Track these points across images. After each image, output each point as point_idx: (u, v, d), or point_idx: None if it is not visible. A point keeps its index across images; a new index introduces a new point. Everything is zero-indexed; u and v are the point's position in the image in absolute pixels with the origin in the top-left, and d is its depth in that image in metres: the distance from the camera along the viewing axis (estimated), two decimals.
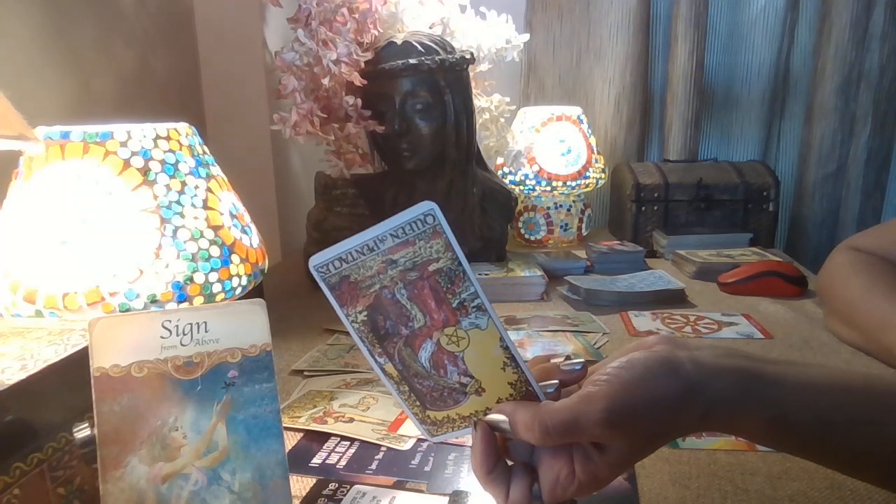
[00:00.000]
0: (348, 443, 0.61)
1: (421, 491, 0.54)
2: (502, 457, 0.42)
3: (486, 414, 0.43)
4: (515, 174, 1.40)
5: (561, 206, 1.42)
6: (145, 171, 0.60)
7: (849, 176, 1.55)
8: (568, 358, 0.44)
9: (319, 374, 0.77)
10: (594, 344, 0.85)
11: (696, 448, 0.59)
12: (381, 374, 0.44)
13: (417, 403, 0.45)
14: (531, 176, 1.39)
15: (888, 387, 0.42)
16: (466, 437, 0.60)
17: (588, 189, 1.42)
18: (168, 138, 0.62)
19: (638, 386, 0.39)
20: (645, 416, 0.38)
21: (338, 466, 0.57)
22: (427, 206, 0.39)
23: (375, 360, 0.43)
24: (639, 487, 0.53)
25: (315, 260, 0.41)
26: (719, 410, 0.39)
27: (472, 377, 0.43)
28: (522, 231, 1.45)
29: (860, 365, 0.77)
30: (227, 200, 0.67)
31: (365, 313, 0.42)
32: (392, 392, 0.45)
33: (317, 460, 0.58)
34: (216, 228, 0.63)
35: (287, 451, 0.49)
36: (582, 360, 0.43)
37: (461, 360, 0.42)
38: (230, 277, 0.63)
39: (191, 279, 0.60)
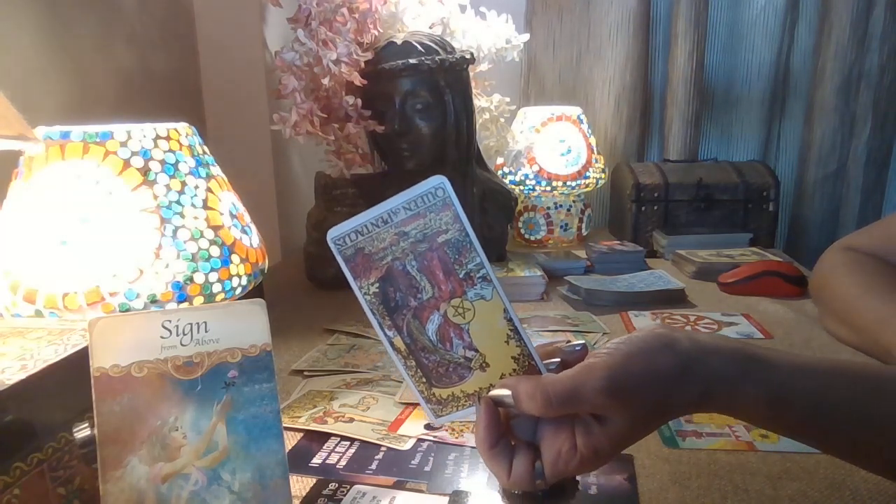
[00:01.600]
0: (348, 443, 0.61)
1: (421, 491, 0.54)
2: (505, 434, 0.43)
3: (489, 390, 0.44)
4: (515, 174, 1.40)
5: (561, 206, 1.42)
6: (145, 171, 0.60)
7: (849, 176, 1.55)
8: (569, 342, 0.46)
9: (319, 374, 0.77)
10: (594, 344, 0.85)
11: (696, 448, 0.59)
12: (389, 349, 0.45)
13: (423, 381, 0.46)
14: (531, 176, 1.39)
15: (883, 372, 0.42)
16: (467, 438, 0.61)
17: (588, 189, 1.42)
18: (168, 138, 0.62)
19: (638, 357, 0.40)
20: (644, 387, 0.39)
21: (338, 466, 0.57)
22: (438, 179, 0.41)
23: (385, 334, 0.45)
24: (639, 487, 0.53)
25: (333, 232, 0.43)
26: (718, 388, 0.40)
27: (476, 351, 0.44)
28: (522, 231, 1.45)
29: None
30: (227, 200, 0.67)
31: (377, 285, 0.44)
32: (399, 368, 0.46)
33: (317, 460, 0.58)
34: (216, 228, 0.63)
35: (287, 451, 0.49)
36: (582, 342, 0.45)
37: (466, 332, 0.44)
38: (230, 277, 0.63)
39: (191, 279, 0.60)
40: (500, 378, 0.45)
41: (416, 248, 0.42)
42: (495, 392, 0.43)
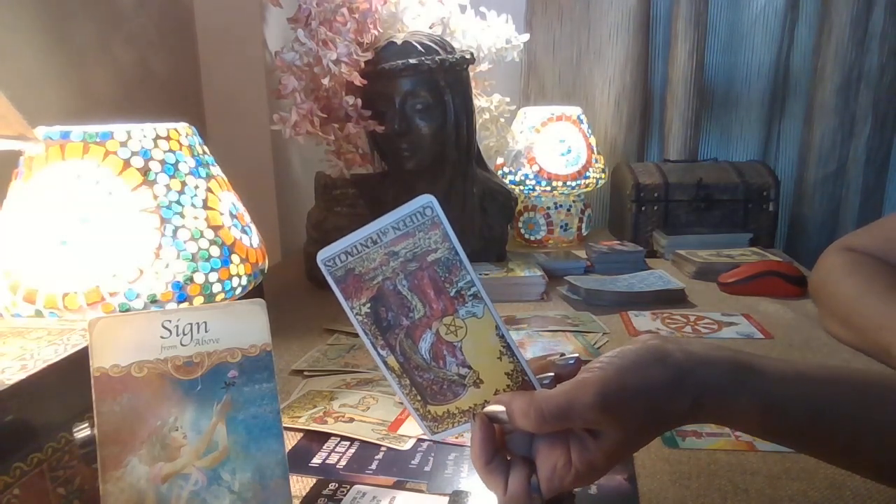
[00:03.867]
0: (348, 443, 0.61)
1: (421, 491, 0.54)
2: (501, 450, 0.43)
3: (484, 407, 0.44)
4: (515, 174, 1.40)
5: (561, 206, 1.42)
6: (145, 171, 0.60)
7: (849, 176, 1.55)
8: (563, 355, 0.46)
9: (319, 374, 0.77)
10: (594, 344, 0.85)
11: (696, 448, 0.59)
12: (383, 368, 0.45)
13: (418, 398, 0.46)
14: (531, 176, 1.39)
15: (876, 378, 0.43)
16: (467, 437, 0.60)
17: (588, 189, 1.42)
18: (168, 138, 0.62)
19: (630, 371, 0.40)
20: (636, 402, 0.39)
21: (338, 466, 0.57)
22: (425, 199, 0.41)
23: (378, 353, 0.45)
24: (639, 487, 0.53)
25: (323, 254, 0.43)
26: (710, 399, 0.40)
27: (470, 368, 0.44)
28: (522, 231, 1.45)
29: (859, 364, 0.77)
30: (227, 200, 0.67)
31: (368, 305, 0.44)
32: (394, 387, 0.46)
33: (317, 460, 0.58)
34: (216, 228, 0.63)
35: (287, 451, 0.49)
36: (576, 355, 0.45)
37: (459, 350, 0.44)
38: (230, 277, 0.63)
39: (191, 279, 0.60)
40: (495, 394, 0.45)
41: (406, 267, 0.43)
42: (490, 408, 0.43)
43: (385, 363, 0.45)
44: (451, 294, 0.43)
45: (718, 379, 0.40)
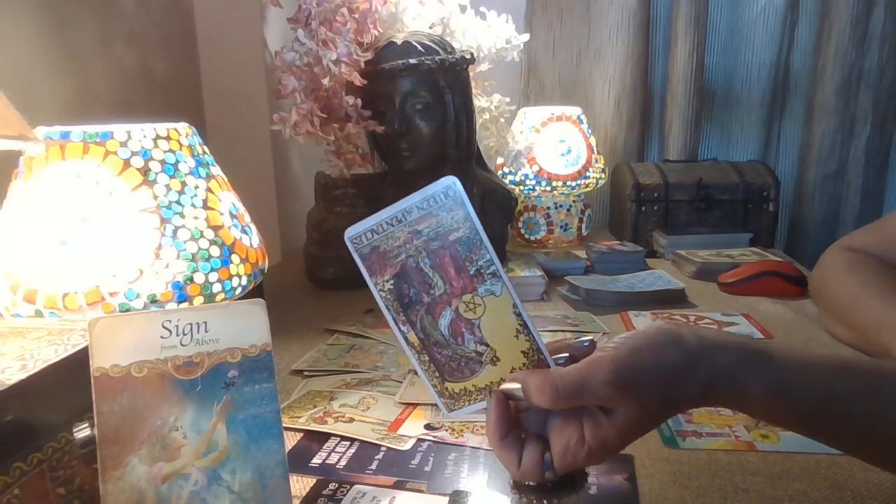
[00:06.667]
0: (348, 443, 0.61)
1: (421, 491, 0.53)
2: (516, 427, 0.45)
3: (500, 384, 0.45)
4: (515, 174, 1.40)
5: (561, 206, 1.42)
6: (145, 172, 0.60)
7: (849, 176, 1.55)
8: (577, 337, 0.48)
9: (319, 374, 0.77)
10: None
11: (696, 448, 0.59)
12: (403, 344, 0.47)
13: (437, 375, 0.47)
14: (531, 176, 1.39)
15: (885, 368, 0.43)
16: (467, 438, 0.61)
17: (588, 189, 1.42)
18: (168, 138, 0.62)
19: (644, 351, 0.41)
20: (649, 381, 0.40)
21: (338, 466, 0.57)
22: (449, 180, 0.43)
23: (399, 329, 0.46)
24: (639, 487, 0.53)
25: (350, 232, 0.45)
26: (721, 383, 0.41)
27: (487, 345, 0.46)
28: (522, 231, 1.45)
29: None
30: (227, 200, 0.67)
31: (391, 282, 0.45)
32: (413, 363, 0.47)
33: (317, 460, 0.58)
34: (216, 228, 0.63)
35: (287, 451, 0.49)
36: (591, 337, 0.46)
37: (477, 327, 0.45)
38: (230, 277, 0.63)
39: (191, 279, 0.60)
40: (511, 372, 0.46)
41: (428, 245, 0.44)
42: (506, 386, 0.44)
43: (406, 339, 0.47)
44: (471, 272, 0.44)
45: (730, 363, 0.41)
